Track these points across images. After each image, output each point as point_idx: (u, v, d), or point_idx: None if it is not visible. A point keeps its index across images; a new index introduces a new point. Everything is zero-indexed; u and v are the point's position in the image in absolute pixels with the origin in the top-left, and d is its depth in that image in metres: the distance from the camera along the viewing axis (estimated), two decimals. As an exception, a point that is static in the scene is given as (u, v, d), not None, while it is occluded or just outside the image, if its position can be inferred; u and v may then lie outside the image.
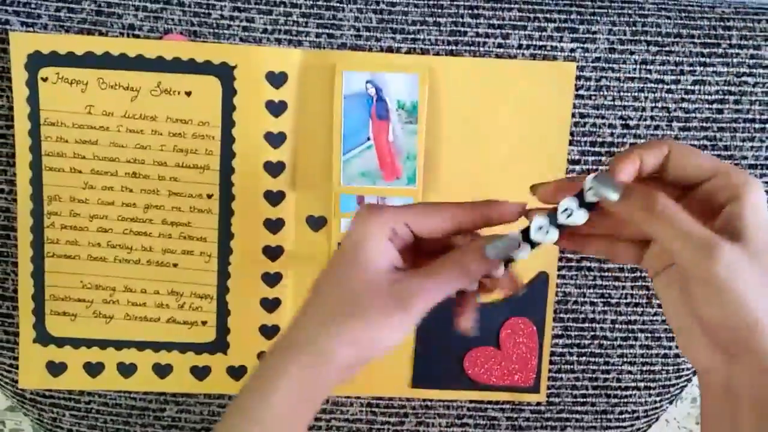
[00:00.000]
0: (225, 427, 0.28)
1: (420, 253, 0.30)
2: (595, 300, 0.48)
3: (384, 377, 0.48)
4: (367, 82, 0.46)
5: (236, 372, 0.47)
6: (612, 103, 0.47)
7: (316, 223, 0.47)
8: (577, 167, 0.47)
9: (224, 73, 0.45)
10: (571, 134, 0.47)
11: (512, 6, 0.46)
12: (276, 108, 0.46)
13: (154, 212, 0.46)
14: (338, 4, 0.46)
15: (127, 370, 0.47)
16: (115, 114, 0.45)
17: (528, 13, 0.46)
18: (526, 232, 0.28)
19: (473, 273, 0.27)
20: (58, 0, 0.44)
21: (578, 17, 0.46)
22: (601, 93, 0.47)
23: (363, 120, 0.46)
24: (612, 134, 0.48)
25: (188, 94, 0.46)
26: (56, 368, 0.46)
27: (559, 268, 0.48)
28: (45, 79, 0.45)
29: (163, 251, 0.46)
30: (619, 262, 0.28)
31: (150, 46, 0.45)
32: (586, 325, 0.48)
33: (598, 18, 0.46)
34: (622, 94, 0.48)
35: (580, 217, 0.26)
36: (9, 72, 0.44)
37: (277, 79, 0.46)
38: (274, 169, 0.46)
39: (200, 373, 0.47)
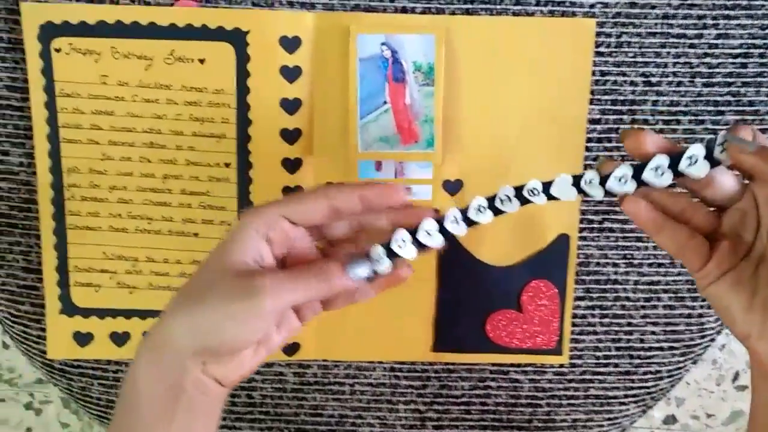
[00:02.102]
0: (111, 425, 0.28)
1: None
2: (618, 261, 0.46)
3: (406, 342, 0.47)
4: (382, 44, 0.44)
5: (259, 339, 0.46)
6: (633, 59, 0.45)
7: None
8: (598, 126, 0.45)
9: (237, 39, 0.44)
10: (592, 93, 0.45)
11: (530, -39, 0.44)
12: (291, 73, 0.44)
13: (173, 182, 0.45)
14: (351, -35, 0.44)
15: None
16: (130, 84, 0.44)
17: (546, -31, 0.44)
18: (389, 247, 0.27)
19: (335, 287, 0.26)
20: (68, -32, 0.43)
21: (598, -29, 0.44)
22: (622, 49, 0.45)
23: (379, 83, 0.44)
24: (633, 92, 0.45)
25: (202, 61, 0.44)
26: (83, 338, 0.46)
27: (581, 230, 0.46)
28: (58, 50, 0.43)
29: (183, 221, 0.45)
30: (687, 261, 0.27)
31: (162, 14, 0.43)
32: (609, 286, 0.47)
33: (619, -29, 0.44)
34: (643, 50, 0.45)
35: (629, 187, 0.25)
36: (22, 44, 0.43)
37: (291, 44, 0.44)
38: (291, 136, 0.45)
39: None
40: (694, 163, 0.24)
